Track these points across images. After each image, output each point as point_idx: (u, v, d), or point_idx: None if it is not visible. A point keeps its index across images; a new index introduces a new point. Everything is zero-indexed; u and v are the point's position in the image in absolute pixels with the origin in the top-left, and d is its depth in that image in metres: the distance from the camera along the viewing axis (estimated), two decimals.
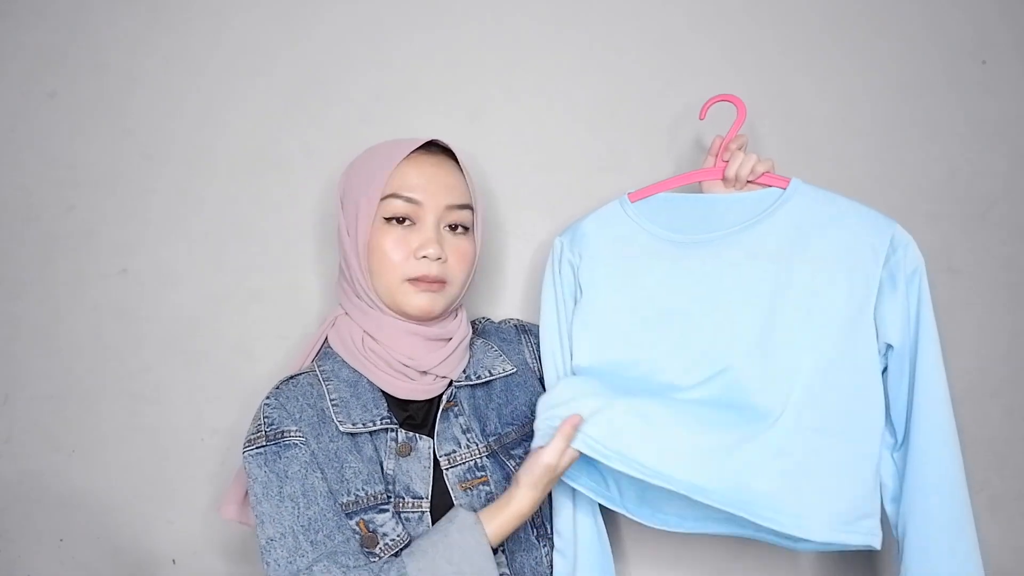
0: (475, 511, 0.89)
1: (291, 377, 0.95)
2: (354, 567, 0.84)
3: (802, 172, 1.11)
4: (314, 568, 0.83)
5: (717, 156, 0.99)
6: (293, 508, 0.86)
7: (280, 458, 0.88)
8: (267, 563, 0.84)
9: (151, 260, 1.22)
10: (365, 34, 1.18)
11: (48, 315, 1.23)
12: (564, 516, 0.99)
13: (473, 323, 1.09)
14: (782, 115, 1.12)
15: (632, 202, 1.01)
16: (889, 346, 0.92)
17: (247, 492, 0.97)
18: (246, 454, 0.89)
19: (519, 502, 0.88)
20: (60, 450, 1.23)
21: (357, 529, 0.88)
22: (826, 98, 1.11)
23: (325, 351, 0.99)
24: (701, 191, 1.01)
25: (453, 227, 0.96)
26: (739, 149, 0.98)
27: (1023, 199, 1.09)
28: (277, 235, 1.20)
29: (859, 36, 1.10)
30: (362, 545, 0.87)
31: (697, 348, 0.95)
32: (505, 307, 1.20)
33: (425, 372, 0.96)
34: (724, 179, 0.98)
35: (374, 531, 0.88)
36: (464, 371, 0.99)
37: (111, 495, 1.23)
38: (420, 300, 0.93)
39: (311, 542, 0.84)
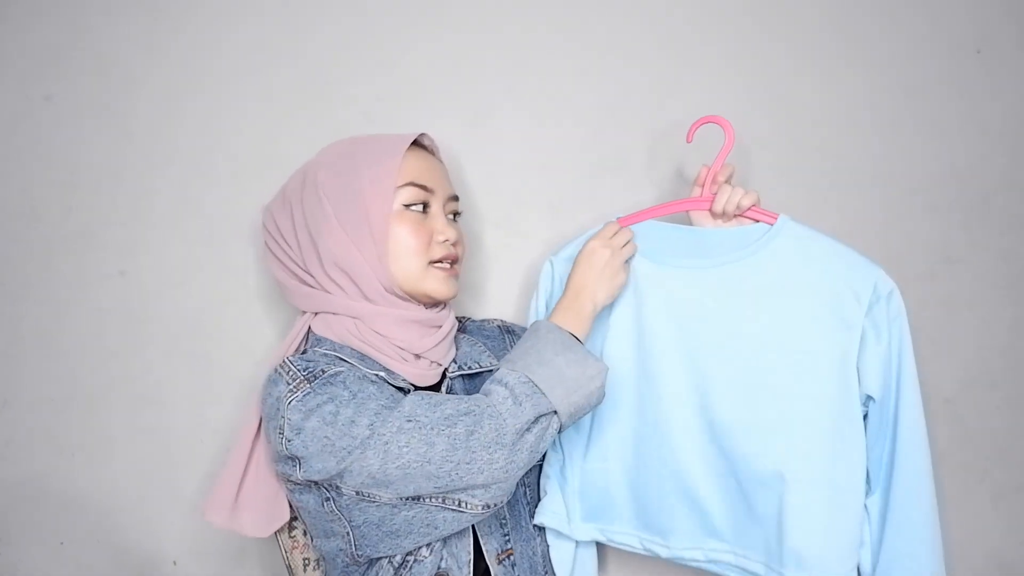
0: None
1: (298, 357, 0.92)
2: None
3: (804, 170, 1.13)
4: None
5: (704, 186, 0.99)
6: (376, 395, 0.86)
7: (333, 382, 0.86)
8: (383, 440, 0.82)
9: (152, 261, 1.22)
10: (368, 36, 1.19)
11: (49, 317, 1.23)
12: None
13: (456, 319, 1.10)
14: (784, 114, 1.13)
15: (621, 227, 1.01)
16: (870, 397, 0.92)
17: (240, 493, 0.96)
18: (292, 405, 0.85)
19: (571, 303, 0.93)
20: (61, 452, 1.23)
21: None
22: (827, 96, 1.12)
23: (317, 339, 0.96)
24: (689, 220, 1.01)
25: (451, 216, 1.01)
26: (727, 181, 0.99)
27: (1022, 190, 1.10)
28: None
29: (859, 34, 1.11)
30: None
31: (684, 381, 0.96)
32: (506, 306, 1.20)
33: (419, 356, 0.96)
34: (711, 212, 0.98)
35: None
36: (455, 361, 1.00)
37: (112, 497, 1.23)
38: (444, 285, 0.96)
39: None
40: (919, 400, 0.91)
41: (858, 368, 0.91)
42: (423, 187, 0.95)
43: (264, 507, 0.97)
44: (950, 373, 1.11)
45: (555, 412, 0.85)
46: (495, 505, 0.86)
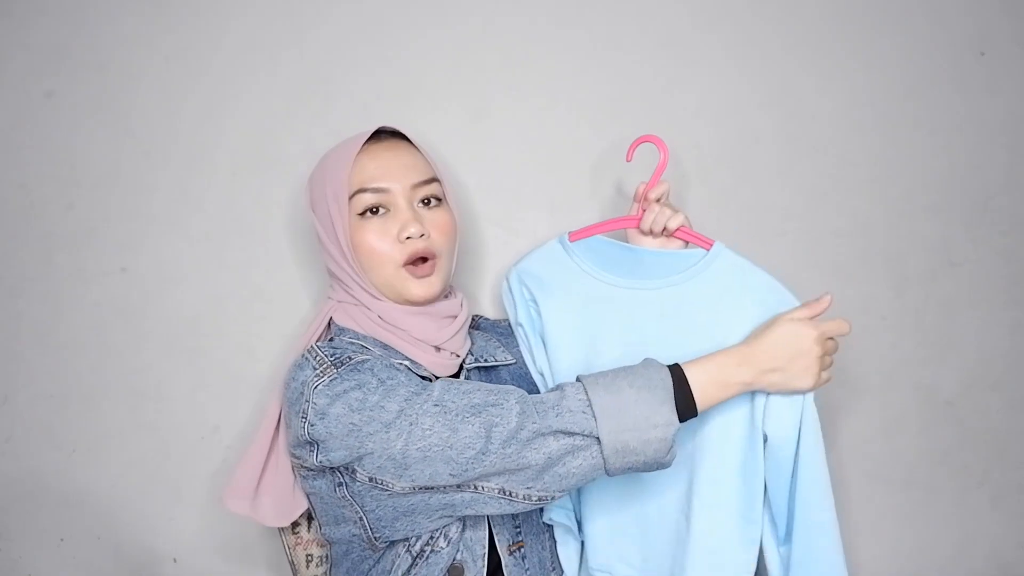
0: None
1: (325, 343, 0.93)
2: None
3: (805, 169, 1.12)
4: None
5: (640, 203, 0.99)
6: (405, 383, 0.85)
7: (360, 369, 0.86)
8: (411, 429, 0.82)
9: (152, 258, 1.22)
10: (367, 32, 1.19)
11: (49, 313, 1.23)
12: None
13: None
14: (785, 112, 1.13)
15: (571, 242, 1.02)
16: (765, 437, 0.90)
17: (260, 481, 0.96)
18: (318, 389, 0.85)
19: (727, 365, 0.84)
20: (61, 449, 1.23)
21: None
22: (828, 95, 1.12)
23: (340, 329, 0.96)
24: (627, 237, 1.01)
25: (426, 202, 0.96)
26: (658, 199, 0.97)
27: (1023, 192, 1.10)
28: (278, 233, 1.20)
29: (861, 33, 1.11)
30: None
31: None
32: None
33: (438, 348, 0.96)
34: (639, 229, 0.98)
35: None
36: (471, 353, 1.01)
37: (112, 494, 1.23)
38: (420, 288, 0.94)
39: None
40: (822, 446, 0.88)
41: (765, 405, 0.89)
42: (375, 189, 0.93)
43: (283, 496, 0.97)
44: (951, 375, 1.11)
45: (597, 439, 0.80)
46: (512, 494, 0.83)
